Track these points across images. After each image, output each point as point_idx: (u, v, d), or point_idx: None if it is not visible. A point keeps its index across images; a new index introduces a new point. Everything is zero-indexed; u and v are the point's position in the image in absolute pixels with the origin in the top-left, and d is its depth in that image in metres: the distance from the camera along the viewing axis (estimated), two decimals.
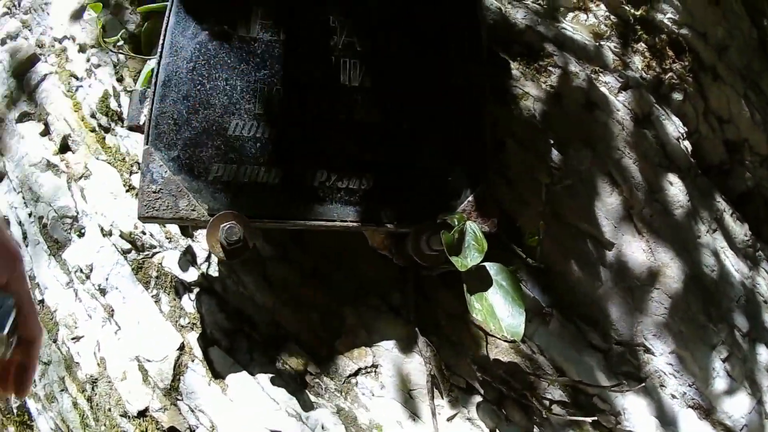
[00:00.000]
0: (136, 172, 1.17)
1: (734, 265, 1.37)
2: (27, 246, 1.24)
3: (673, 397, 1.24)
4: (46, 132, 1.27)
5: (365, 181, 1.00)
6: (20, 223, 1.25)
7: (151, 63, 1.11)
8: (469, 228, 1.00)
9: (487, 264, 1.01)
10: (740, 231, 1.45)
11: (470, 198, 1.05)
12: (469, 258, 0.98)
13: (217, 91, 1.00)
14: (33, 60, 1.36)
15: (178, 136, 0.99)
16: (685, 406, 1.23)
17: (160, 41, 1.03)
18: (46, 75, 1.32)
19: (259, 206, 0.98)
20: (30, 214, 1.24)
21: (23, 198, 1.25)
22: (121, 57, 1.21)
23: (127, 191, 1.16)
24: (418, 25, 1.09)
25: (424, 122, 1.05)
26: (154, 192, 0.98)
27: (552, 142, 1.19)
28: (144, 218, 0.99)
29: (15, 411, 1.35)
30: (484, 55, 1.10)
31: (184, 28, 1.03)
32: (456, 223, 0.99)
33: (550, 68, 1.27)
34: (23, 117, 1.31)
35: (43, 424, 1.27)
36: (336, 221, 0.99)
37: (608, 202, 1.23)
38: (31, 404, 1.30)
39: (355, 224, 0.99)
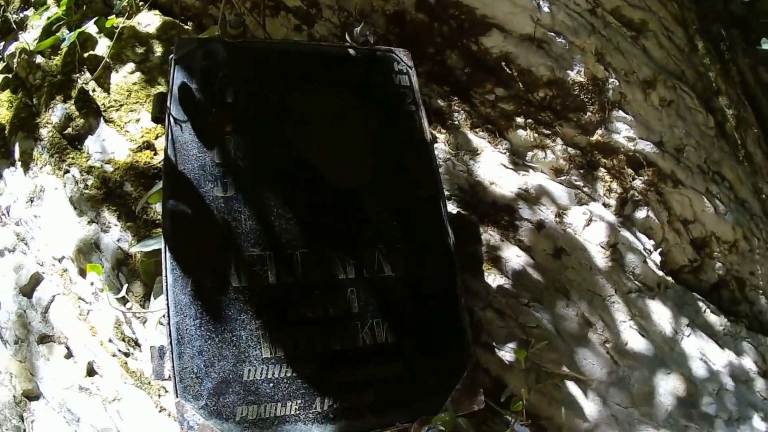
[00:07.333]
0: (164, 395, 1.44)
1: (711, 359, 1.65)
2: None
3: None
4: (69, 354, 1.54)
5: (365, 397, 1.28)
6: None
7: (157, 313, 1.36)
8: (458, 424, 1.28)
9: None
10: (717, 322, 1.72)
11: (458, 386, 1.33)
12: None
13: (226, 342, 1.26)
14: (38, 278, 1.61)
15: (201, 388, 1.25)
16: None
17: (164, 300, 1.27)
18: (54, 296, 1.57)
19: None
20: None
21: (64, 418, 1.53)
22: (123, 281, 1.46)
23: (160, 412, 1.43)
24: (395, 241, 1.33)
25: (412, 332, 1.31)
26: None
27: (528, 301, 1.45)
28: None
29: None
30: (452, 250, 1.35)
31: (183, 285, 1.27)
32: (445, 423, 1.27)
33: (516, 222, 1.51)
34: (43, 339, 1.57)
35: None
36: None
37: (585, 343, 1.50)
38: None
39: None
